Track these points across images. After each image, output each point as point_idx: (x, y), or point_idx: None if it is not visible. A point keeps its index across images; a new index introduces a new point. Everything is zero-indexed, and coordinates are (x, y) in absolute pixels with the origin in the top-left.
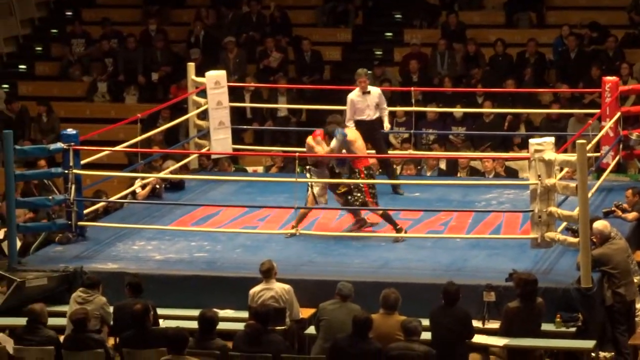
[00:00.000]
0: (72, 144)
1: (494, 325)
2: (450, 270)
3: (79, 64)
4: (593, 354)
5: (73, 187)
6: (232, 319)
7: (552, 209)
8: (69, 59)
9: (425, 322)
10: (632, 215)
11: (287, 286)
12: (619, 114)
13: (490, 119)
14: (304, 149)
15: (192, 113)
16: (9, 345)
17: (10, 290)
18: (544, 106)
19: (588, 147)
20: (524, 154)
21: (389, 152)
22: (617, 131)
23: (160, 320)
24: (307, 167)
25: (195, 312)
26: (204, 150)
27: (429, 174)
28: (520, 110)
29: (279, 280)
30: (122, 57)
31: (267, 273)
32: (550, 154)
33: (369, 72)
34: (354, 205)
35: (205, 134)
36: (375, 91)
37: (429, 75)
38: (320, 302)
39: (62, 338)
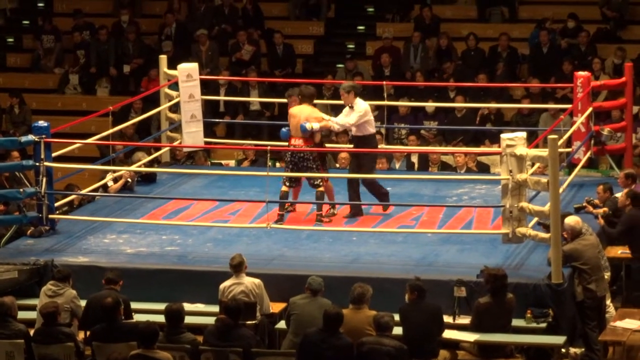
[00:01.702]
0: (44, 136)
1: (465, 320)
2: (421, 265)
3: (51, 55)
4: (563, 350)
5: (44, 179)
6: (202, 313)
7: (524, 204)
8: (39, 52)
9: (397, 317)
10: (603, 211)
11: (257, 280)
12: (590, 109)
13: (462, 113)
14: (276, 143)
15: (164, 106)
16: None
17: None
18: (515, 101)
19: (560, 143)
20: (495, 149)
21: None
22: (589, 126)
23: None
24: None
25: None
26: (175, 144)
27: (397, 165)
28: (492, 105)
29: (249, 274)
30: (94, 49)
31: (238, 267)
32: (522, 149)
33: (354, 85)
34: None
35: (177, 127)
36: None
37: (401, 69)
38: (291, 296)
39: (32, 331)
